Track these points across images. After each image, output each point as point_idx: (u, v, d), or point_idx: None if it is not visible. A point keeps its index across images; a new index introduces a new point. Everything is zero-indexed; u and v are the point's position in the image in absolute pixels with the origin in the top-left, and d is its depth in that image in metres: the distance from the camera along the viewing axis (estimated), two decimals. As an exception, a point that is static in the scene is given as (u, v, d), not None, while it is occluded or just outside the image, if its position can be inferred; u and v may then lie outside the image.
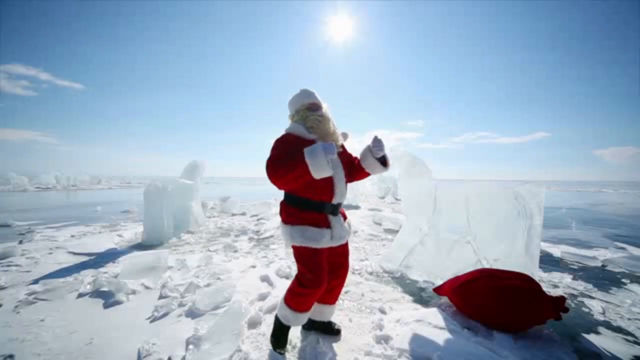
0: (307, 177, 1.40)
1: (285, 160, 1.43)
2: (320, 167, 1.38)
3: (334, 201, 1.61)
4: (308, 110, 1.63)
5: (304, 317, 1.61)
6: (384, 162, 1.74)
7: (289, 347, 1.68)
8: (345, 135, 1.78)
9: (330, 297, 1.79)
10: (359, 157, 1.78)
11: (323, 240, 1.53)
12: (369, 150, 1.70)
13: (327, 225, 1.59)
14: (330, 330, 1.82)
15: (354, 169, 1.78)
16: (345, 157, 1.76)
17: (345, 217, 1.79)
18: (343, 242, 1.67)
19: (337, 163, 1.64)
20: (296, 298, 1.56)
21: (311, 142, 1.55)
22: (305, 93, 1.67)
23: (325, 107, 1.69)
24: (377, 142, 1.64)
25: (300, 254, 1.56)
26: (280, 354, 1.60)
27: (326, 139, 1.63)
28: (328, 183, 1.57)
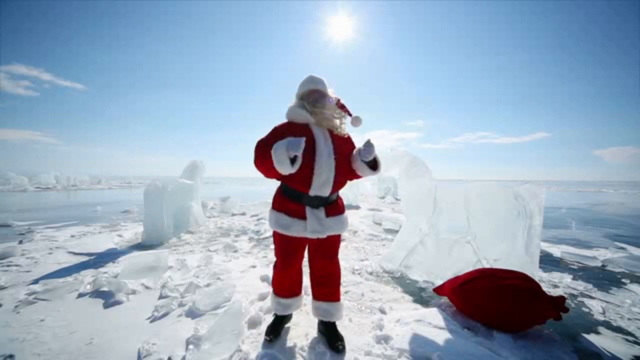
0: (277, 170, 1.50)
1: (263, 150, 1.54)
2: (280, 163, 1.45)
3: (311, 193, 1.59)
4: (309, 96, 1.68)
5: (283, 304, 1.78)
6: (373, 166, 1.72)
7: (289, 347, 1.68)
8: (357, 120, 1.66)
9: (322, 290, 1.76)
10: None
11: (292, 229, 1.61)
12: (359, 152, 1.69)
13: (302, 216, 1.61)
14: (333, 345, 1.65)
15: (350, 166, 1.76)
16: (346, 149, 1.73)
17: (337, 212, 1.70)
18: (316, 236, 1.60)
19: (325, 153, 1.58)
20: (274, 281, 1.82)
21: (303, 127, 1.63)
22: (309, 80, 1.70)
23: (331, 93, 1.70)
24: (366, 146, 1.61)
25: (275, 238, 1.75)
26: (267, 339, 1.71)
27: (322, 124, 1.66)
28: (306, 173, 1.57)
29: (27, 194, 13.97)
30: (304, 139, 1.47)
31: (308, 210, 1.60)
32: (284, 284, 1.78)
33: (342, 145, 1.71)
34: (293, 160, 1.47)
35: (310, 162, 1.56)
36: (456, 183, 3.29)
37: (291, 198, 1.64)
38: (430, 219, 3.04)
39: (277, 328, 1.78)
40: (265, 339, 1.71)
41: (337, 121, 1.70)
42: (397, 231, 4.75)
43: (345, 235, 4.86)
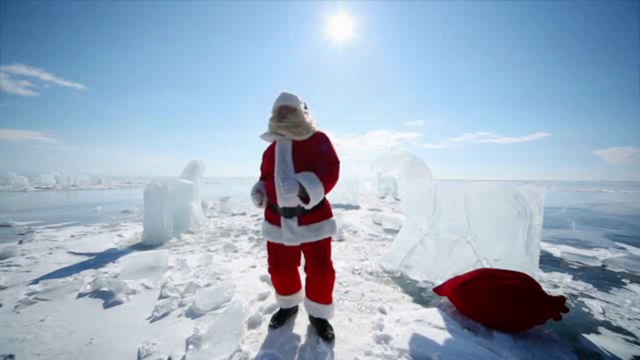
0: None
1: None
2: (255, 205, 1.79)
3: (280, 205, 1.69)
4: (278, 112, 1.74)
5: (283, 299, 1.96)
6: (306, 199, 1.63)
7: (289, 347, 1.68)
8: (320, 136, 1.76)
9: (313, 292, 1.82)
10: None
11: (271, 235, 1.78)
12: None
13: (279, 224, 1.74)
14: (323, 334, 1.77)
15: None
16: (311, 155, 1.69)
17: (311, 220, 1.69)
18: (292, 244, 1.71)
19: (282, 166, 1.68)
20: (272, 281, 1.97)
21: (272, 146, 1.81)
22: (280, 96, 1.76)
23: (300, 107, 1.74)
24: (284, 184, 1.56)
25: (266, 243, 1.90)
26: (270, 325, 1.89)
27: (288, 136, 1.72)
28: (271, 188, 1.72)
29: (27, 194, 13.97)
30: (257, 191, 1.75)
31: (282, 220, 1.72)
32: (280, 284, 1.94)
33: (306, 153, 1.69)
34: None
35: (272, 178, 1.71)
36: (456, 183, 3.28)
37: (270, 208, 1.81)
38: (430, 219, 3.04)
39: (283, 317, 1.96)
40: (270, 325, 1.88)
41: (300, 129, 1.69)
42: (397, 231, 4.75)
43: (345, 235, 4.86)
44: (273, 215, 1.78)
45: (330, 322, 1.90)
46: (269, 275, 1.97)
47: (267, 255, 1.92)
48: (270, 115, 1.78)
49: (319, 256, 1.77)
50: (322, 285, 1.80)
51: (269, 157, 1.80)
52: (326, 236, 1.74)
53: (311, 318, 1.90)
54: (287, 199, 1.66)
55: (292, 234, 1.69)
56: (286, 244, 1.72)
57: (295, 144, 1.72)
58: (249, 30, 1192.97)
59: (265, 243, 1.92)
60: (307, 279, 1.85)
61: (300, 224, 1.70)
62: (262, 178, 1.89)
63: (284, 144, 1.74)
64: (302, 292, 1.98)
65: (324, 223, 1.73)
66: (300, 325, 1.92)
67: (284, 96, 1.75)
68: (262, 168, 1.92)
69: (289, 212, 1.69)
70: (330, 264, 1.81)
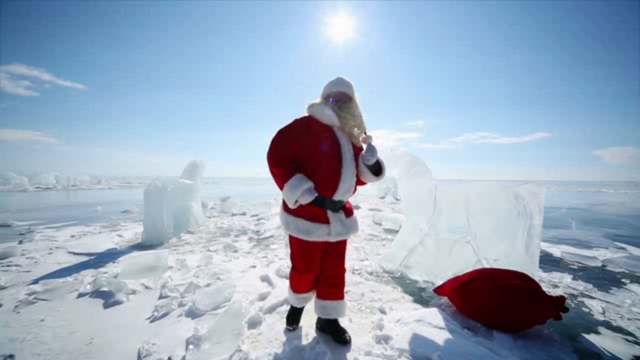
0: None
1: (279, 161, 1.55)
2: (287, 198, 1.54)
3: (336, 197, 1.59)
4: (337, 98, 1.66)
5: (299, 298, 1.83)
6: (377, 170, 1.70)
7: (289, 347, 1.68)
8: (367, 138, 1.64)
9: (331, 290, 1.77)
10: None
11: (316, 234, 1.58)
12: (362, 157, 1.68)
13: (325, 220, 1.60)
14: (338, 337, 1.73)
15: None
16: (356, 158, 1.71)
17: (350, 213, 1.74)
18: (340, 238, 1.65)
19: (350, 160, 1.61)
20: (292, 281, 1.83)
21: (325, 128, 1.62)
22: (338, 81, 1.67)
23: (356, 99, 1.69)
24: (369, 149, 1.60)
25: (293, 242, 1.71)
26: (289, 329, 1.84)
27: (344, 129, 1.65)
28: (334, 179, 1.57)
29: (27, 194, 13.97)
30: (314, 196, 1.53)
31: (330, 214, 1.60)
32: (303, 284, 1.79)
33: (356, 156, 1.71)
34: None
35: (337, 168, 1.58)
36: (456, 183, 3.29)
37: (317, 203, 1.59)
38: (430, 219, 3.04)
39: (297, 317, 1.89)
40: (288, 329, 1.83)
41: (356, 131, 1.67)
42: (397, 231, 4.75)
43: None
44: (314, 210, 1.59)
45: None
46: (271, 275, 1.93)
47: (291, 255, 1.77)
48: (319, 100, 1.69)
49: (344, 250, 1.79)
50: (341, 278, 1.81)
51: (323, 142, 1.58)
52: (359, 228, 1.78)
53: (320, 322, 1.84)
54: (345, 192, 1.60)
55: (343, 228, 1.62)
56: (334, 239, 1.61)
57: (353, 148, 1.67)
58: (249, 30, 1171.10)
59: (290, 244, 1.75)
60: (326, 277, 1.76)
61: (347, 215, 1.68)
62: (287, 164, 1.55)
63: (344, 135, 1.64)
64: (315, 290, 1.88)
65: (355, 216, 1.77)
66: (300, 325, 1.92)
67: (343, 82, 1.65)
68: (302, 150, 1.57)
69: (340, 205, 1.64)
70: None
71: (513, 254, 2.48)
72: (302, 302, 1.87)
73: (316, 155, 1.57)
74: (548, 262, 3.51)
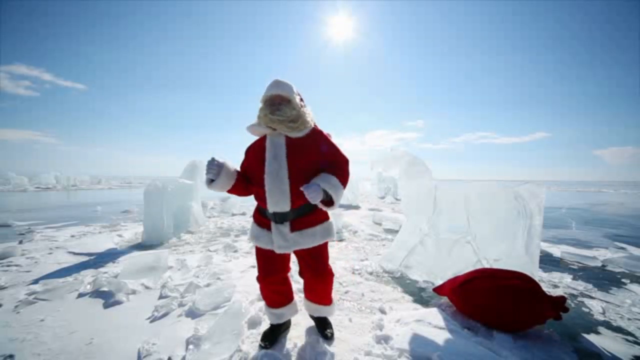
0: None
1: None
2: (207, 186, 1.58)
3: (270, 210, 1.51)
4: (270, 102, 1.53)
5: (274, 313, 1.74)
6: (329, 202, 1.51)
7: (289, 347, 1.68)
8: (304, 187, 1.44)
9: (312, 295, 1.77)
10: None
11: (261, 240, 1.61)
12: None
13: (269, 229, 1.58)
14: (323, 332, 1.77)
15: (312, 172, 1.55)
16: (306, 154, 1.51)
17: (305, 226, 1.56)
18: (284, 251, 1.55)
19: (274, 169, 1.47)
20: (261, 294, 1.79)
21: (260, 141, 1.61)
22: (273, 84, 1.53)
23: (294, 98, 1.52)
24: (307, 193, 1.39)
25: (255, 249, 1.72)
26: (261, 345, 1.67)
27: (281, 131, 1.51)
28: (260, 192, 1.54)
29: (27, 194, 13.96)
30: (211, 159, 1.53)
31: (273, 226, 1.55)
32: (270, 294, 1.73)
33: (302, 153, 1.52)
34: (213, 180, 1.54)
35: (261, 180, 1.51)
36: (456, 183, 3.28)
37: (260, 212, 1.65)
38: (430, 219, 3.04)
39: (274, 334, 1.74)
40: (260, 345, 1.66)
41: (296, 124, 1.50)
42: (397, 231, 4.75)
43: (345, 235, 4.85)
44: (262, 218, 1.62)
45: (331, 320, 1.90)
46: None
47: (256, 260, 1.71)
48: (260, 105, 1.56)
49: (316, 261, 1.66)
50: (322, 290, 1.75)
51: (256, 154, 1.58)
52: (322, 242, 1.61)
53: (311, 315, 1.88)
54: (277, 203, 1.48)
55: (284, 241, 1.53)
56: (277, 251, 1.55)
57: (289, 141, 1.52)
58: (249, 30, 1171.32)
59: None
60: (305, 284, 1.79)
61: (293, 229, 1.53)
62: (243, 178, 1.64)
63: (276, 140, 1.52)
64: (295, 304, 1.84)
65: (319, 227, 1.59)
66: (300, 325, 1.92)
67: (277, 84, 1.52)
68: (243, 166, 1.68)
69: (280, 217, 1.52)
70: (329, 268, 1.71)
71: (513, 254, 2.48)
72: (275, 318, 1.75)
73: (247, 168, 1.66)
74: (548, 262, 3.51)
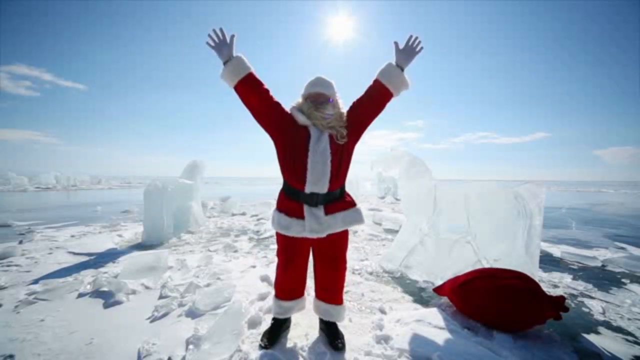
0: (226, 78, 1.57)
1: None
2: (225, 76, 1.57)
3: (307, 190, 1.51)
4: (313, 99, 1.60)
5: (285, 307, 1.75)
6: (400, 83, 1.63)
7: (289, 347, 1.68)
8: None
9: (324, 293, 1.75)
10: (377, 77, 1.62)
11: (291, 229, 1.56)
12: (396, 57, 1.60)
13: (301, 215, 1.55)
14: (333, 343, 1.68)
15: (369, 104, 1.64)
16: (343, 150, 1.58)
17: (337, 209, 1.59)
18: (317, 235, 1.53)
19: (319, 147, 1.49)
20: (276, 281, 1.79)
21: (301, 126, 1.58)
22: (315, 82, 1.62)
23: (336, 97, 1.64)
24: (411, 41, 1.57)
25: (277, 238, 1.72)
26: (261, 345, 1.66)
27: (322, 128, 1.56)
28: (300, 169, 1.51)
29: (27, 194, 13.97)
30: (222, 55, 1.56)
31: (306, 210, 1.53)
32: (286, 285, 1.75)
33: (339, 146, 1.58)
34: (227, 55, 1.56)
35: (303, 157, 1.50)
36: (456, 183, 3.29)
37: (290, 196, 1.60)
38: (430, 219, 3.04)
39: (275, 333, 1.73)
40: (260, 345, 1.66)
41: (339, 128, 1.58)
42: (397, 231, 4.75)
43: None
44: (293, 204, 1.58)
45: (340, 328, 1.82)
46: (271, 275, 1.83)
47: (276, 250, 1.74)
48: (300, 100, 1.63)
49: (336, 250, 1.68)
50: (336, 283, 1.73)
51: (297, 130, 1.55)
52: (354, 225, 1.63)
53: (321, 321, 1.82)
54: (316, 183, 1.49)
55: (318, 225, 1.52)
56: (309, 236, 1.53)
57: (332, 141, 1.54)
58: (249, 30, 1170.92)
59: (276, 240, 1.74)
60: (317, 281, 1.77)
61: (327, 212, 1.55)
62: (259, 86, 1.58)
63: (321, 135, 1.53)
64: (304, 299, 1.86)
65: (351, 211, 1.63)
66: (300, 325, 1.92)
67: (321, 82, 1.60)
68: (279, 116, 1.58)
69: (317, 200, 1.53)
70: (346, 259, 1.75)
71: (513, 254, 2.48)
72: (283, 312, 1.76)
73: (284, 143, 1.59)
74: (548, 262, 3.51)
